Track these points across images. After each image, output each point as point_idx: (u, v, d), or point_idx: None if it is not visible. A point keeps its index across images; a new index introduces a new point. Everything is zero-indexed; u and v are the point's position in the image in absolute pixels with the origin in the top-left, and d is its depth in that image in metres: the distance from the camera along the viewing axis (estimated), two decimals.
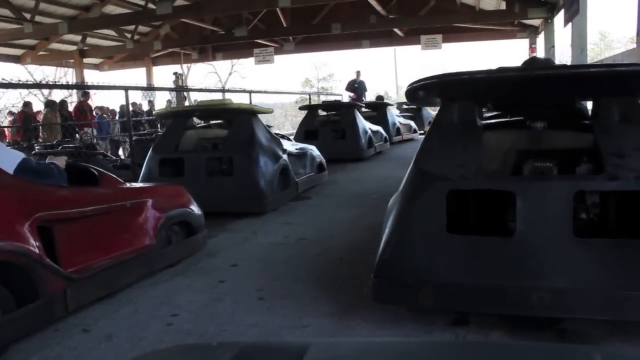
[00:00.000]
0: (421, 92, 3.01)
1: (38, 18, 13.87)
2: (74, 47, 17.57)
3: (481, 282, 2.47)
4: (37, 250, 2.70)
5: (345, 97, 16.99)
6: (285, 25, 17.03)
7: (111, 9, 15.75)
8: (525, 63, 3.60)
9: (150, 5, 12.74)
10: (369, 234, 4.03)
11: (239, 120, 6.00)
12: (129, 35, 16.99)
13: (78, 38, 17.12)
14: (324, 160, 7.71)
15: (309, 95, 15.40)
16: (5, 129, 13.06)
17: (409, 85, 2.99)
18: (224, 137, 6.04)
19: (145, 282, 3.52)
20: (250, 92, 11.66)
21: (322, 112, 11.05)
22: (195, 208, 4.21)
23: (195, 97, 18.27)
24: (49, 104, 12.53)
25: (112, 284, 3.27)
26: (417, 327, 2.65)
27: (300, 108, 12.45)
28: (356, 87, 16.27)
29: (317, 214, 5.51)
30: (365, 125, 10.35)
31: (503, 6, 14.77)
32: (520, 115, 3.18)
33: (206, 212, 4.38)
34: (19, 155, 2.96)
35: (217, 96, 11.61)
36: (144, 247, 3.55)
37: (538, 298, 2.38)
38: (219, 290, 3.35)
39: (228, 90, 12.11)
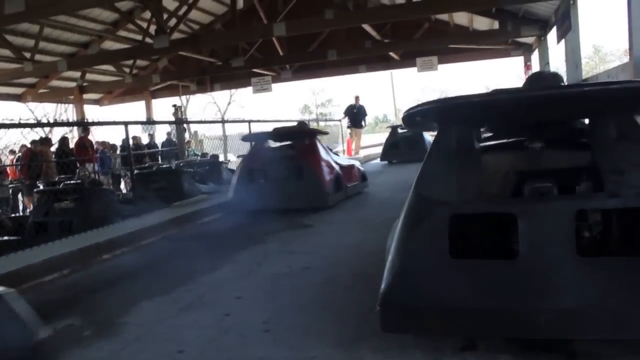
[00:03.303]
0: (418, 117, 3.03)
1: (38, 57, 14.05)
2: (73, 84, 17.77)
3: (487, 305, 2.45)
4: (342, 173, 8.32)
5: (345, 122, 17.07)
6: (281, 54, 17.21)
7: (109, 45, 15.96)
8: (531, 77, 3.65)
9: (148, 40, 12.89)
10: (374, 260, 4.00)
11: None
12: (127, 70, 17.18)
13: (77, 74, 17.31)
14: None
15: (308, 122, 15.46)
16: (8, 168, 13.14)
17: (405, 112, 3.02)
18: None
19: (151, 318, 3.51)
20: (249, 121, 11.74)
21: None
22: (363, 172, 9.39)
23: (195, 129, 18.38)
24: (43, 141, 12.63)
25: (352, 191, 8.57)
26: (425, 353, 2.63)
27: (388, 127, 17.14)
28: (355, 112, 16.36)
29: (321, 242, 5.49)
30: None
31: (496, 25, 14.95)
32: (518, 135, 3.20)
33: None
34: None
35: (218, 127, 11.76)
36: (356, 181, 8.97)
37: (545, 320, 2.36)
38: (224, 323, 3.33)
39: (227, 121, 12.19)
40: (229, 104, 36.91)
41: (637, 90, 2.64)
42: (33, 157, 11.63)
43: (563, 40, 11.00)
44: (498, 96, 2.82)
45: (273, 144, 8.64)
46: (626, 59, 7.60)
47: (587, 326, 2.33)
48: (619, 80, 4.88)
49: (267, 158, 7.93)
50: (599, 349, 2.51)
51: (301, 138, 8.26)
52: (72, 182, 8.71)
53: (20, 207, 11.92)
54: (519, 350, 2.55)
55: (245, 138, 9.54)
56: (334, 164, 8.12)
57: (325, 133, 10.96)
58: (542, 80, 3.53)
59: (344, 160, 9.70)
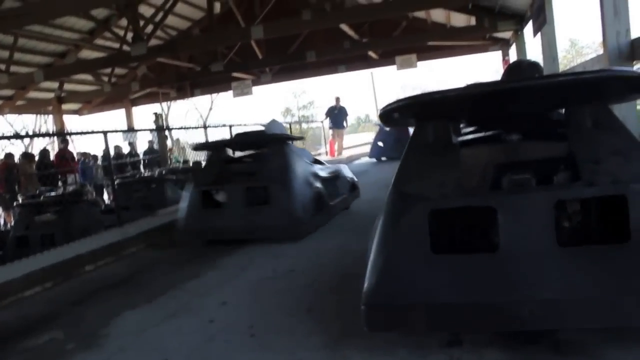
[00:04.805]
0: (395, 114, 3.02)
1: (13, 68, 13.85)
2: (52, 95, 17.53)
3: (470, 300, 2.45)
4: None
5: (327, 123, 17.08)
6: (260, 57, 17.16)
7: (87, 54, 15.79)
8: (510, 67, 3.64)
9: (125, 48, 12.78)
10: (358, 260, 3.99)
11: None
12: (106, 79, 17.00)
13: (55, 85, 17.10)
14: None
15: (290, 125, 15.46)
16: None
17: (382, 108, 3.01)
18: None
19: (135, 328, 3.47)
20: (230, 126, 11.69)
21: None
22: None
23: (177, 136, 18.26)
24: (25, 155, 12.49)
25: None
26: (411, 351, 2.62)
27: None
28: (336, 113, 16.37)
29: (305, 245, 5.47)
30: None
31: (473, 22, 15.03)
32: (496, 128, 3.20)
33: None
34: None
35: (200, 133, 11.73)
36: None
37: (529, 311, 2.36)
38: (209, 330, 3.29)
39: (209, 126, 12.15)
40: (211, 109, 36.66)
41: (609, 78, 2.66)
42: (9, 171, 11.48)
43: (539, 34, 11.08)
44: (473, 89, 2.82)
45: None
46: (601, 52, 7.73)
47: (570, 315, 2.33)
48: (591, 70, 4.90)
49: (385, 133, 14.75)
50: (582, 337, 2.52)
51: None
52: (53, 194, 8.61)
53: (1, 222, 11.73)
54: (504, 344, 2.55)
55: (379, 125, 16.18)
56: None
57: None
58: (520, 71, 3.51)
59: None
